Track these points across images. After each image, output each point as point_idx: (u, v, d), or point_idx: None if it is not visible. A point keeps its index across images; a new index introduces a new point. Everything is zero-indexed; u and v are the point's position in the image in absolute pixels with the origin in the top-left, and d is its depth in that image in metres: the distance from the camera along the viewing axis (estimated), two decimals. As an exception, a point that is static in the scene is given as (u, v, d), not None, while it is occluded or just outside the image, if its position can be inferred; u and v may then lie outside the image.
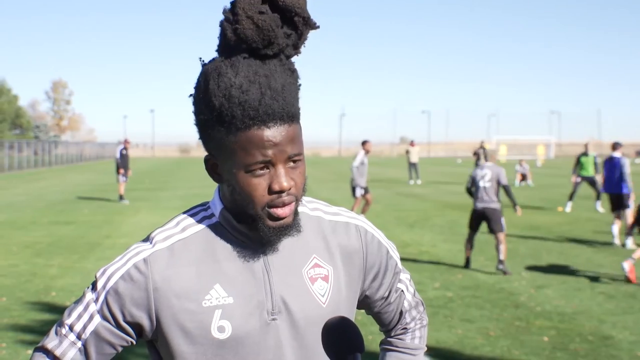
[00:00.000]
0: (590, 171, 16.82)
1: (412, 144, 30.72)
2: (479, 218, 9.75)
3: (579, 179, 17.10)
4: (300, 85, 1.36)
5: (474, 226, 9.82)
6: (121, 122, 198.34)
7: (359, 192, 14.25)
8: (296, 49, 1.35)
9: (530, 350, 5.81)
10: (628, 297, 7.76)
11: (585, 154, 16.91)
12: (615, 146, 12.34)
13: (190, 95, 1.38)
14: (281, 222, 1.34)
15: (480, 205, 9.72)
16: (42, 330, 6.45)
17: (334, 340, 1.31)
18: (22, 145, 50.64)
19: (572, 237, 12.59)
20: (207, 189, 25.04)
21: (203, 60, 1.37)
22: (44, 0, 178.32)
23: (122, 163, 20.19)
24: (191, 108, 1.37)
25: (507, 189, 9.74)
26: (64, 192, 24.67)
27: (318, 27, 1.36)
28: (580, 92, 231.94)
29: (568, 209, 17.35)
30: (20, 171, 44.30)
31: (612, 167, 12.11)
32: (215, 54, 1.38)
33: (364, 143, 14.67)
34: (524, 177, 28.52)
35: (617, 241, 11.58)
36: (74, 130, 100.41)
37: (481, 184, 9.75)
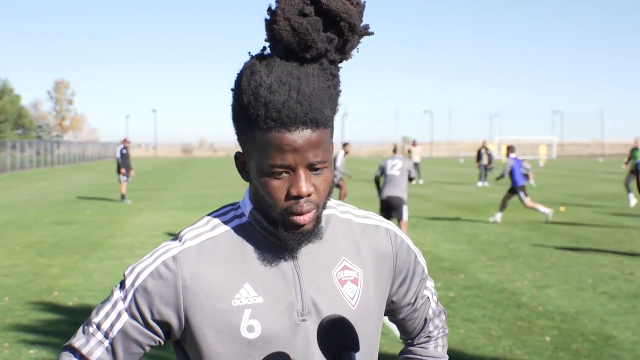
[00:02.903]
0: None
1: (414, 143, 30.75)
2: (388, 205, 10.44)
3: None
4: (340, 91, 1.33)
5: (387, 214, 10.41)
6: (123, 122, 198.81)
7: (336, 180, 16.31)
8: (342, 54, 1.32)
9: (532, 350, 5.81)
10: (630, 297, 7.75)
11: (637, 148, 18.33)
12: (510, 149, 15.52)
13: (232, 89, 1.37)
14: (300, 229, 1.32)
15: (386, 193, 10.40)
16: (44, 330, 6.47)
17: (329, 337, 1.31)
18: (25, 145, 50.74)
19: (574, 237, 12.58)
20: (210, 189, 25.07)
21: (251, 54, 1.35)
22: (46, 0, 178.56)
23: (123, 163, 20.20)
24: (231, 101, 1.36)
25: (411, 180, 10.72)
26: (67, 192, 24.71)
27: (371, 33, 1.33)
28: (583, 92, 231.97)
29: (632, 203, 17.86)
30: (23, 171, 44.36)
31: (518, 165, 15.14)
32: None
33: (344, 145, 16.19)
34: (526, 177, 28.48)
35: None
36: (77, 130, 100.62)
37: (392, 172, 10.40)
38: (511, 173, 14.91)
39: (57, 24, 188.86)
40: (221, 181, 30.19)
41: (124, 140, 21.00)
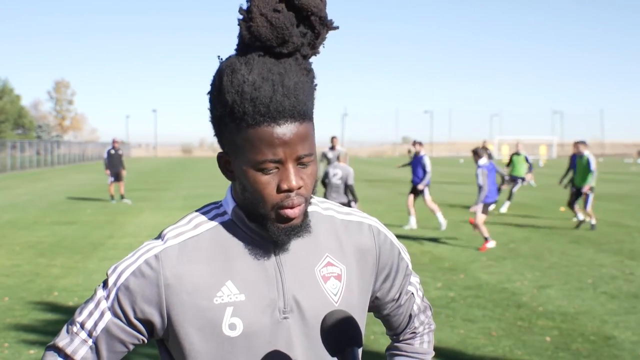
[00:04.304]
0: (521, 171, 18.11)
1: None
2: None
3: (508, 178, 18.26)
4: (316, 85, 1.35)
5: None
6: (124, 122, 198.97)
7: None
8: (313, 48, 1.34)
9: (532, 351, 5.81)
10: (631, 297, 7.75)
11: (517, 153, 18.20)
12: (416, 144, 14.61)
13: (207, 93, 1.37)
14: (290, 223, 1.33)
15: (330, 199, 10.50)
16: (44, 330, 6.47)
17: (332, 332, 1.31)
18: (25, 145, 50.72)
19: (574, 237, 12.58)
20: (211, 189, 25.06)
21: (221, 58, 1.36)
22: (46, 0, 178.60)
23: (110, 163, 20.22)
24: (207, 105, 1.37)
25: (351, 189, 10.93)
26: (67, 192, 24.70)
27: (336, 27, 1.35)
28: (583, 92, 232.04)
29: (504, 209, 17.62)
30: (23, 171, 44.35)
31: (417, 162, 14.28)
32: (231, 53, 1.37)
33: (331, 139, 16.24)
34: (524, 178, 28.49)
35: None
36: (77, 130, 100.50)
37: (333, 180, 10.97)
38: (414, 170, 14.27)
39: (57, 24, 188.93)
40: (221, 181, 30.16)
41: (113, 141, 20.98)
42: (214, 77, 1.34)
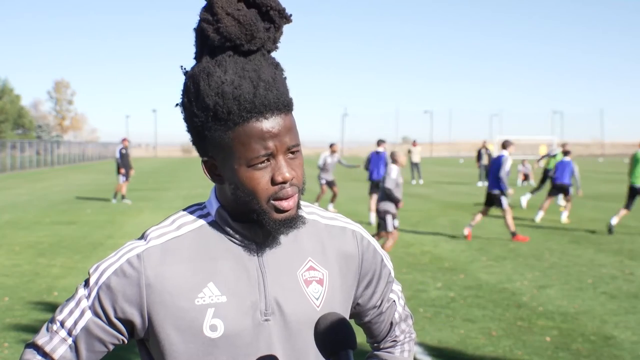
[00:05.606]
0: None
1: (414, 144, 30.72)
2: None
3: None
4: (285, 77, 1.36)
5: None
6: (124, 122, 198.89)
7: (321, 182, 17.09)
8: (274, 43, 1.35)
9: (532, 350, 5.81)
10: (631, 297, 7.75)
11: (551, 154, 19.08)
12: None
13: (177, 104, 1.38)
14: (286, 214, 1.33)
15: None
16: (44, 330, 6.47)
17: (326, 335, 1.31)
18: (25, 145, 50.68)
19: (574, 237, 12.58)
20: (210, 189, 25.06)
21: (184, 68, 1.37)
22: (46, 0, 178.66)
23: (123, 163, 20.19)
24: (181, 115, 1.37)
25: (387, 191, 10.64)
26: (67, 192, 24.70)
27: (291, 20, 1.37)
28: (583, 92, 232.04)
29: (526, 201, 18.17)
30: (23, 171, 44.36)
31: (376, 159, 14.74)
32: (192, 62, 1.38)
33: (330, 145, 17.30)
34: (526, 177, 28.51)
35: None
36: (77, 130, 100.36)
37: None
38: (369, 167, 14.79)
39: (57, 24, 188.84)
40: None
41: (124, 140, 20.97)
42: (187, 85, 1.34)
